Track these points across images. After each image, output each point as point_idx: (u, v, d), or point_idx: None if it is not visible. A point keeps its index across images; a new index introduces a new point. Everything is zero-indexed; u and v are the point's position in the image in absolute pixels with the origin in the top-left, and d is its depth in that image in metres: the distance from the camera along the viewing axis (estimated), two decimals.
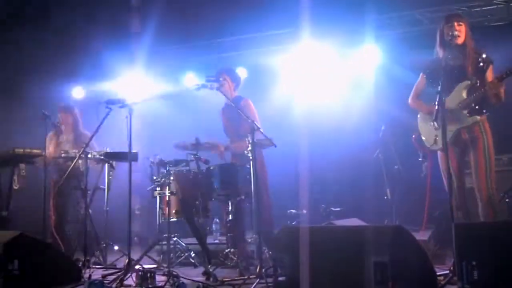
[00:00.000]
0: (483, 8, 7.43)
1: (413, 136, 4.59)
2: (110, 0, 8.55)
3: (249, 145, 4.60)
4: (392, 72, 7.50)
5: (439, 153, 4.36)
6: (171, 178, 5.45)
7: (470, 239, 3.19)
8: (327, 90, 8.08)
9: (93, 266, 5.44)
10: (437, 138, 4.26)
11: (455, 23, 4.29)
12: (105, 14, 8.34)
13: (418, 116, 4.60)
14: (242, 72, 8.53)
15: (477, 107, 4.25)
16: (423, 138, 4.50)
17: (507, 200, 5.51)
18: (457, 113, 4.28)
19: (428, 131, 4.43)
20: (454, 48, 4.26)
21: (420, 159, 4.80)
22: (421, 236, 5.35)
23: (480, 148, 4.23)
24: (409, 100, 4.65)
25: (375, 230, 3.45)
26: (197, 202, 5.33)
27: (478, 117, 4.24)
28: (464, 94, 4.27)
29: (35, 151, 5.88)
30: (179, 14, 8.37)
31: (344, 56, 8.12)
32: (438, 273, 3.71)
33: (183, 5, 8.34)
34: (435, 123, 4.21)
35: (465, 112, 4.26)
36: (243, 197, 5.26)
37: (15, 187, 6.04)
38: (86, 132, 6.38)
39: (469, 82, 4.27)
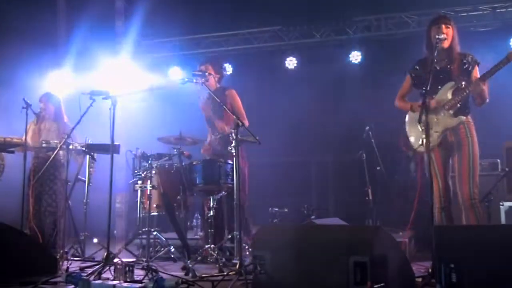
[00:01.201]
0: (469, 14, 7.52)
1: (399, 138, 4.59)
2: None
3: (233, 141, 4.58)
4: (378, 73, 7.55)
5: (425, 155, 4.36)
6: (153, 172, 5.41)
7: (449, 242, 3.21)
8: (312, 90, 8.09)
9: (71, 258, 5.39)
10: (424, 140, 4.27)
11: (443, 26, 4.32)
12: (91, 4, 8.25)
13: (406, 117, 4.60)
14: (227, 69, 8.53)
15: (461, 106, 4.27)
16: (411, 139, 4.51)
17: (486, 204, 5.57)
18: (443, 115, 4.30)
19: (415, 133, 4.43)
20: (440, 50, 4.28)
21: (409, 158, 4.79)
22: (401, 237, 5.39)
23: (464, 153, 4.25)
24: (395, 101, 4.65)
25: (356, 230, 3.47)
26: (178, 197, 5.30)
27: (463, 117, 4.26)
28: (449, 95, 4.30)
29: (15, 140, 5.79)
30: (167, 8, 8.31)
31: (330, 56, 8.15)
32: (416, 275, 3.73)
33: None
34: (421, 125, 4.23)
35: (451, 112, 4.28)
36: (224, 193, 5.24)
37: None
38: (68, 122, 6.31)
39: (453, 83, 4.29)
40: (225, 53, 8.76)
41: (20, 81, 7.77)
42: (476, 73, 4.35)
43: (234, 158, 4.54)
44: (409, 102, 4.57)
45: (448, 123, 4.29)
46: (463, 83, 4.29)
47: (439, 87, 4.33)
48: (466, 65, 4.34)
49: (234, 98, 5.63)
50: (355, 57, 8.09)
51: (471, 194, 4.17)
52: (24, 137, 5.71)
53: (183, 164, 5.36)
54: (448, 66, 4.34)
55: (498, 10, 7.48)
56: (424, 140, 4.20)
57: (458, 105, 4.27)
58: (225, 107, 5.04)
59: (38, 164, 5.97)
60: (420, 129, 4.23)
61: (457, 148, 4.29)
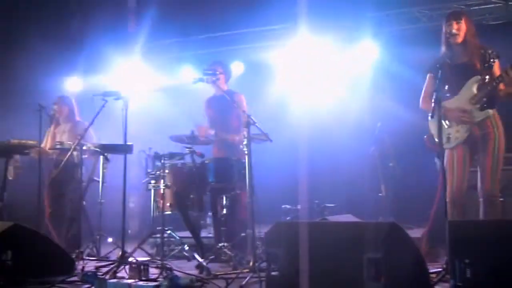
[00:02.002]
0: (481, 7, 7.44)
1: (425, 136, 4.55)
2: None
3: (245, 140, 4.59)
4: (390, 69, 7.51)
5: (447, 151, 4.33)
6: (166, 171, 5.44)
7: (464, 237, 3.20)
8: (324, 86, 8.07)
9: (87, 258, 5.44)
10: (450, 137, 4.25)
11: (453, 22, 4.29)
12: (102, 5, 8.31)
13: (429, 115, 4.56)
14: (239, 67, 8.54)
15: (488, 100, 4.24)
16: (435, 136, 4.48)
17: (501, 199, 5.52)
18: (469, 110, 4.26)
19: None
20: (455, 46, 4.27)
21: (435, 159, 4.72)
22: (415, 233, 5.36)
23: (490, 148, 4.19)
24: (420, 103, 4.58)
25: (369, 227, 3.46)
26: (191, 196, 5.33)
27: (491, 111, 4.23)
28: (475, 90, 4.26)
29: (30, 142, 5.87)
30: (177, 7, 8.34)
31: (341, 53, 8.11)
32: (431, 271, 3.71)
33: None
34: (446, 122, 4.23)
35: (477, 107, 4.25)
36: (237, 191, 5.25)
37: (9, 178, 6.03)
38: (83, 122, 6.38)
39: (479, 77, 4.26)
40: (237, 51, 8.75)
41: (35, 84, 7.85)
42: (497, 67, 4.31)
43: (247, 157, 4.56)
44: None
45: (476, 118, 4.25)
46: (487, 77, 4.26)
47: (462, 82, 4.29)
48: (487, 59, 4.30)
49: (242, 103, 5.62)
50: (368, 51, 8.05)
51: (492, 191, 4.14)
52: (40, 142, 5.78)
53: (195, 163, 5.38)
54: (469, 61, 4.31)
55: (511, 3, 7.40)
56: (450, 137, 4.20)
57: (485, 99, 4.24)
58: (237, 107, 5.03)
59: (54, 165, 6.03)
60: (445, 126, 4.23)
61: (483, 142, 4.23)
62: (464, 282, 3.09)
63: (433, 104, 3.88)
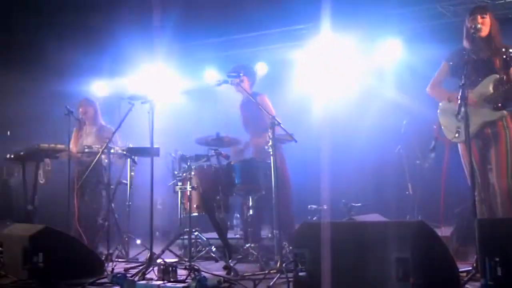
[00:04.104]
0: (507, 1, 7.31)
1: (434, 126, 4.52)
2: None
3: (270, 140, 4.59)
4: (415, 66, 7.43)
5: (460, 145, 4.30)
6: (192, 173, 5.48)
7: (494, 235, 3.15)
8: (349, 84, 8.03)
9: (116, 259, 5.51)
10: (460, 130, 4.20)
11: (478, 16, 4.24)
12: (126, 9, 8.39)
13: (439, 106, 4.53)
14: (262, 67, 8.55)
15: (502, 101, 4.18)
16: (444, 129, 4.44)
17: None
18: (482, 107, 4.21)
19: (449, 123, 4.34)
20: (478, 41, 4.21)
21: (430, 147, 4.67)
22: (443, 232, 5.30)
23: (502, 143, 4.16)
24: (428, 88, 4.58)
25: (397, 226, 3.43)
26: (218, 197, 5.36)
27: (505, 112, 4.18)
28: (491, 88, 4.20)
29: (59, 146, 5.97)
30: (200, 10, 8.38)
31: (366, 50, 8.07)
32: (460, 270, 3.67)
33: (203, 0, 8.36)
34: (458, 116, 4.18)
35: (490, 106, 4.20)
36: (263, 192, 5.27)
37: (40, 182, 6.15)
38: (107, 125, 6.47)
39: (497, 76, 4.20)
40: (259, 52, 8.76)
41: (61, 89, 7.98)
42: None
43: (272, 157, 4.56)
44: (446, 91, 4.47)
45: (488, 117, 4.20)
46: (504, 76, 4.20)
47: (480, 78, 4.24)
48: (508, 58, 4.24)
49: (265, 103, 5.63)
50: (392, 49, 7.98)
51: (509, 183, 4.08)
52: (69, 145, 5.88)
53: (221, 164, 5.41)
54: (490, 58, 4.25)
55: None
56: (459, 130, 4.15)
57: (499, 99, 4.18)
58: (261, 108, 5.04)
59: (82, 169, 6.13)
60: (457, 119, 4.17)
61: (494, 140, 4.20)
62: (495, 280, 3.04)
63: (459, 101, 3.83)
